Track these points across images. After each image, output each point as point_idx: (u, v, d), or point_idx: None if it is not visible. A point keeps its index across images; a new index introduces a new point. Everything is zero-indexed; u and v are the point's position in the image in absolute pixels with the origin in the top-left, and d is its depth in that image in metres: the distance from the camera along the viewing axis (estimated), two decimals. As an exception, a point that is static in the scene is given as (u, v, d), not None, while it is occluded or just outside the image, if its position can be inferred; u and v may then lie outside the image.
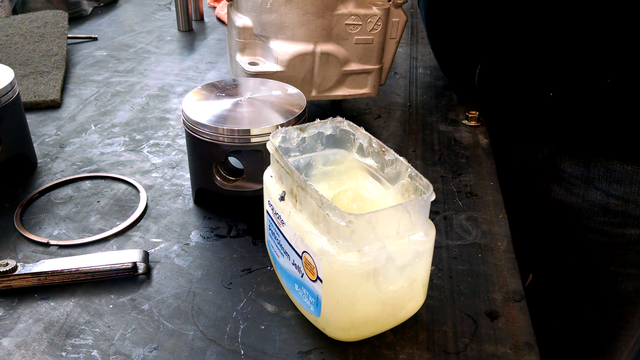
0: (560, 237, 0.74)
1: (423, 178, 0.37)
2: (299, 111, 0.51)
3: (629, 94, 0.60)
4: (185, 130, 0.51)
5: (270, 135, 0.42)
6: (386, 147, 0.41)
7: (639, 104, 0.60)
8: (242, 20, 0.63)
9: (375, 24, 0.63)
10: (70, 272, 0.44)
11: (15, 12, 1.03)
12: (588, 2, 0.58)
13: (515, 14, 0.65)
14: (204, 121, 0.49)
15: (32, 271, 0.44)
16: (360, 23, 0.62)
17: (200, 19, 1.11)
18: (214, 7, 1.18)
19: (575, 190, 0.69)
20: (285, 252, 0.41)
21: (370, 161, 0.43)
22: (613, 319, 0.75)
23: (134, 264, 0.45)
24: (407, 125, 0.72)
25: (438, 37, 0.78)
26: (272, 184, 0.42)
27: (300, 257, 0.38)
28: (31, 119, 0.71)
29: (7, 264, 0.44)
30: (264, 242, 0.48)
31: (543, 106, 0.65)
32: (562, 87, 0.63)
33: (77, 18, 1.09)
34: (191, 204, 0.55)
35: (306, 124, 0.43)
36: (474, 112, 0.72)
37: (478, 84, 0.72)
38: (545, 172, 0.71)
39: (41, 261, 0.45)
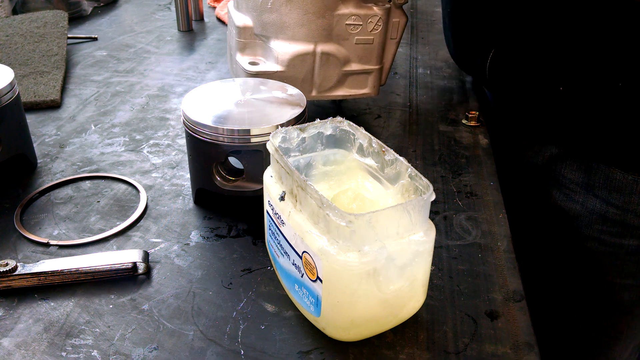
0: (559, 243, 0.73)
1: (423, 178, 0.37)
2: (299, 111, 0.51)
3: (637, 103, 0.59)
4: (185, 130, 0.51)
5: (270, 135, 0.42)
6: (386, 147, 0.41)
7: None
8: (242, 19, 0.63)
9: (376, 24, 0.63)
10: (70, 272, 0.44)
11: (15, 12, 1.03)
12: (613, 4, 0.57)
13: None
14: (204, 121, 0.49)
15: (32, 271, 0.44)
16: (361, 23, 0.63)
17: (200, 19, 1.11)
18: (214, 7, 1.18)
19: (574, 197, 0.68)
20: (285, 252, 0.41)
21: (370, 161, 0.43)
22: (609, 329, 0.75)
23: (134, 264, 0.45)
24: (407, 125, 0.72)
25: (456, 15, 0.75)
26: (272, 184, 0.42)
27: (300, 257, 0.38)
28: (31, 119, 0.71)
29: (7, 264, 0.44)
30: (264, 242, 0.48)
31: (552, 100, 0.64)
32: (574, 82, 0.61)
33: (77, 18, 1.09)
34: (191, 204, 0.55)
35: (306, 124, 0.43)
36: (474, 112, 0.72)
37: (489, 71, 0.71)
38: (545, 177, 0.71)
39: (41, 261, 0.45)
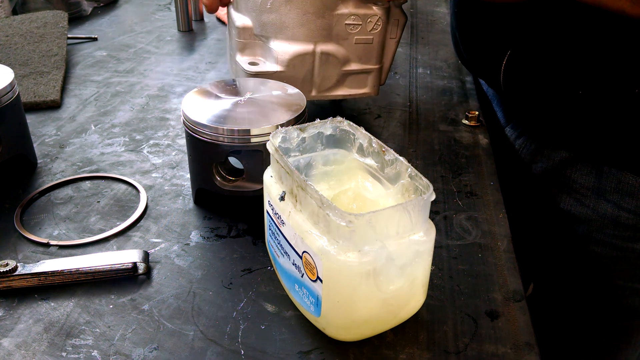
0: (567, 247, 0.73)
1: (423, 178, 0.37)
2: (299, 111, 0.51)
3: None
4: (185, 130, 0.51)
5: (270, 135, 0.42)
6: (386, 147, 0.41)
7: None
8: (242, 20, 0.63)
9: (375, 23, 0.63)
10: (70, 273, 0.44)
11: (15, 12, 1.03)
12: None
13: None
14: (204, 121, 0.49)
15: (32, 271, 0.44)
16: (360, 23, 0.63)
17: (200, 19, 1.11)
18: (214, 7, 1.18)
19: (585, 202, 0.67)
20: (285, 252, 0.41)
21: (370, 161, 0.43)
22: (617, 333, 0.74)
23: (134, 264, 0.45)
24: (407, 125, 0.72)
25: (467, 15, 0.73)
26: (272, 184, 0.42)
27: (300, 257, 0.38)
28: (31, 119, 0.71)
29: (7, 264, 0.44)
30: (264, 242, 0.48)
31: (568, 104, 0.63)
32: (592, 86, 0.60)
33: (77, 18, 1.09)
34: (191, 204, 0.55)
35: (306, 124, 0.43)
36: (474, 112, 0.72)
37: (504, 74, 0.68)
38: (555, 181, 0.70)
39: (41, 261, 0.45)
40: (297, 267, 0.39)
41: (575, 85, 0.61)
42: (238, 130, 0.49)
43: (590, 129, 0.63)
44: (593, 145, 0.65)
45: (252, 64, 0.63)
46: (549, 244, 0.76)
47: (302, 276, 0.39)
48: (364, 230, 0.35)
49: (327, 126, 0.44)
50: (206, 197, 0.55)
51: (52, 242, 0.49)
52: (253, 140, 0.49)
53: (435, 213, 0.55)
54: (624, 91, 0.58)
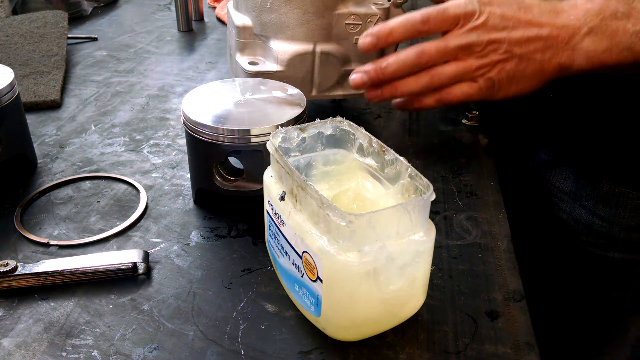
0: (554, 248, 0.73)
1: (423, 178, 0.37)
2: (299, 111, 0.51)
3: (625, 118, 0.59)
4: (185, 130, 0.51)
5: (270, 135, 0.42)
6: (386, 147, 0.41)
7: (633, 129, 0.59)
8: (241, 19, 0.63)
9: (375, 23, 0.63)
10: (70, 273, 0.44)
11: (15, 12, 1.03)
12: None
13: None
14: (204, 121, 0.49)
15: (32, 271, 0.44)
16: (360, 23, 0.63)
17: (200, 19, 1.11)
18: (214, 7, 1.18)
19: (562, 206, 0.67)
20: (285, 252, 0.41)
21: (370, 161, 0.43)
22: (596, 340, 0.74)
23: (134, 264, 0.45)
24: (407, 125, 0.72)
25: None
26: (272, 184, 0.42)
27: (300, 257, 0.38)
28: (31, 119, 0.71)
29: (7, 264, 0.44)
30: (264, 242, 0.48)
31: (541, 106, 0.64)
32: (564, 90, 0.61)
33: (77, 18, 1.09)
34: (191, 204, 0.55)
35: (306, 124, 0.43)
36: (474, 112, 0.72)
37: None
38: (536, 184, 0.70)
39: (41, 261, 0.45)
40: (297, 267, 0.39)
41: (546, 88, 0.61)
42: (238, 130, 0.49)
43: (564, 133, 0.63)
44: (570, 151, 0.65)
45: (252, 63, 0.63)
46: (539, 244, 0.76)
47: (302, 276, 0.39)
48: (364, 230, 0.35)
49: (327, 126, 0.44)
50: (206, 197, 0.55)
51: (52, 242, 0.49)
52: (253, 140, 0.49)
53: (435, 213, 0.55)
54: (593, 96, 0.58)
